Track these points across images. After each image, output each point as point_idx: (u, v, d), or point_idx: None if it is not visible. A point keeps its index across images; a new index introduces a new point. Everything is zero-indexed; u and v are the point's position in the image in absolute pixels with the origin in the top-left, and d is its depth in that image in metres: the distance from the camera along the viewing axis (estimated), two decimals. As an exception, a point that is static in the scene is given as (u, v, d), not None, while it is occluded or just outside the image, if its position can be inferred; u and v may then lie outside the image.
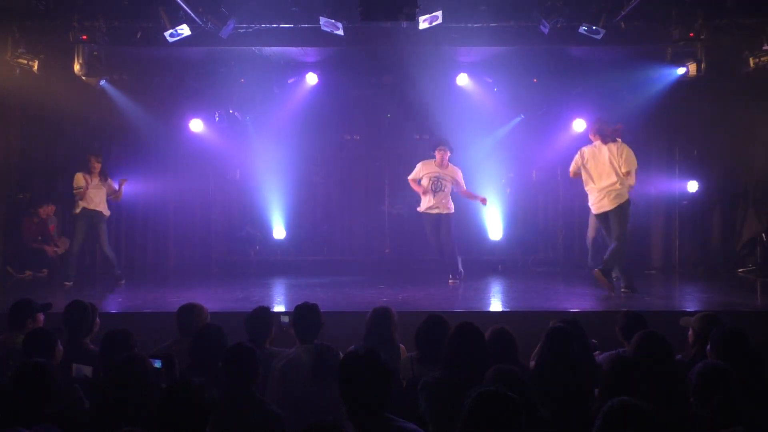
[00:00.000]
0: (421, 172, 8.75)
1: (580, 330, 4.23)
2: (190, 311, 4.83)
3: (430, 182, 8.64)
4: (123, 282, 8.87)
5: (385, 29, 8.44)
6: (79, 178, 8.75)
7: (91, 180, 8.77)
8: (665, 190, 10.54)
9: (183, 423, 2.83)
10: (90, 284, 9.40)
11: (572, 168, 7.83)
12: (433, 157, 8.76)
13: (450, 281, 8.67)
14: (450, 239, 8.71)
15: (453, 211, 8.75)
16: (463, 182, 8.76)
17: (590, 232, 9.03)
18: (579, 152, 7.79)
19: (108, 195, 8.94)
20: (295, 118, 10.34)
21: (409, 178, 8.87)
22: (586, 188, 7.78)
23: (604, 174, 7.60)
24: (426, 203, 8.70)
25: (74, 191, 8.78)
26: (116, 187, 9.03)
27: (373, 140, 10.89)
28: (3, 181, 9.70)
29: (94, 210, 8.75)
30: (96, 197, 8.77)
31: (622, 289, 7.57)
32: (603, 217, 7.72)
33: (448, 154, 8.70)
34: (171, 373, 3.81)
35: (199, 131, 10.35)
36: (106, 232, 8.96)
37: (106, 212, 8.93)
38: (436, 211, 8.65)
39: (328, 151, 10.98)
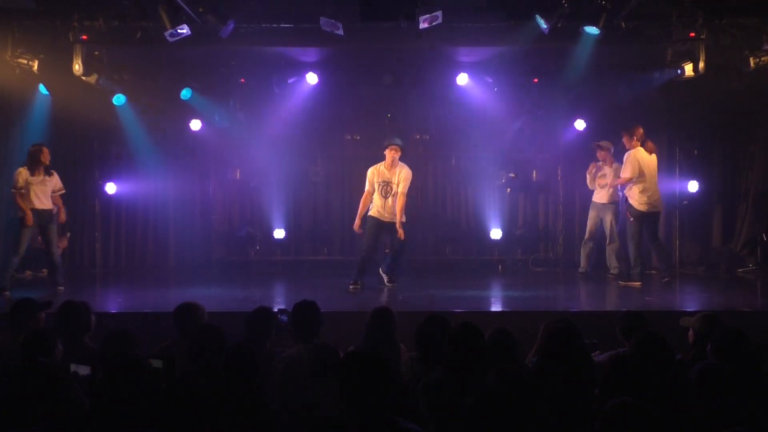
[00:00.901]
0: (373, 180, 8.14)
1: (574, 330, 4.23)
2: (188, 311, 4.82)
3: (380, 189, 8.09)
4: (62, 288, 7.96)
5: (385, 29, 8.42)
6: (21, 176, 7.92)
7: (37, 175, 7.99)
8: (665, 190, 10.51)
9: (183, 423, 2.83)
10: (90, 284, 9.42)
11: (637, 171, 8.24)
12: (383, 158, 8.21)
13: (388, 284, 8.17)
14: (404, 244, 8.13)
15: (405, 220, 8.11)
16: (405, 186, 8.06)
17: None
18: (634, 155, 8.28)
19: (53, 191, 8.16)
20: (295, 118, 10.33)
21: (366, 191, 8.19)
22: (640, 188, 8.26)
23: (655, 176, 8.39)
24: (377, 208, 8.13)
25: (12, 190, 7.94)
26: (60, 183, 8.27)
27: (373, 140, 10.84)
28: (3, 180, 9.69)
29: (42, 209, 7.99)
30: (42, 194, 8.00)
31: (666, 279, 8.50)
32: (654, 216, 8.49)
33: (399, 153, 8.15)
34: (171, 373, 3.81)
35: (199, 131, 10.34)
36: (56, 234, 8.27)
37: (54, 209, 8.16)
38: (387, 218, 8.08)
39: (328, 150, 10.98)
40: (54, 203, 8.22)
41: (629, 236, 8.55)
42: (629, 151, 8.34)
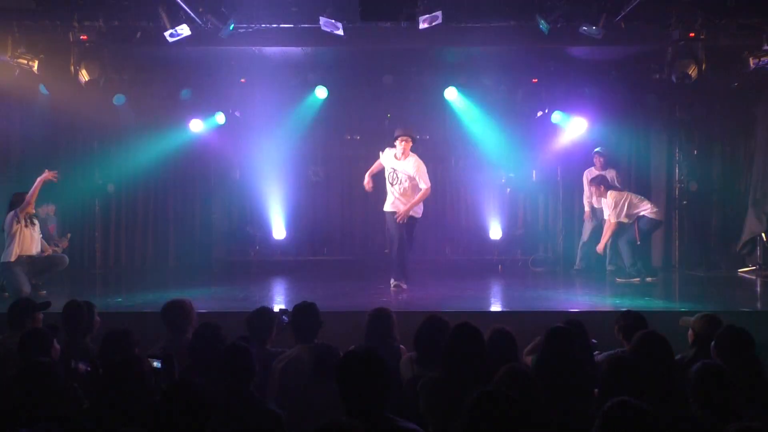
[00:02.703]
0: (383, 162, 7.92)
1: (581, 330, 4.23)
2: (176, 308, 4.82)
3: (388, 175, 7.87)
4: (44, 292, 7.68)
5: (385, 29, 8.42)
6: (12, 221, 7.74)
7: (25, 221, 7.82)
8: (666, 190, 10.54)
9: (183, 423, 2.83)
10: (90, 284, 9.42)
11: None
12: (394, 146, 7.88)
13: (393, 285, 7.86)
14: (405, 241, 7.83)
15: (419, 215, 7.95)
16: (423, 179, 7.76)
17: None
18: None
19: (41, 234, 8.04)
20: (295, 118, 10.33)
21: (372, 167, 8.07)
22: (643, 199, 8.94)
23: None
24: (389, 202, 7.95)
25: (9, 235, 7.72)
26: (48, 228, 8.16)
27: (373, 140, 10.85)
28: (3, 180, 9.69)
29: (35, 255, 7.89)
30: (33, 241, 7.89)
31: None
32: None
33: (411, 143, 7.78)
34: (171, 373, 3.81)
35: (199, 131, 10.35)
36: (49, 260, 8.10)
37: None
38: (394, 208, 7.85)
39: (329, 150, 10.97)
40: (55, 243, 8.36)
41: (625, 237, 8.70)
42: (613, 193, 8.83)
